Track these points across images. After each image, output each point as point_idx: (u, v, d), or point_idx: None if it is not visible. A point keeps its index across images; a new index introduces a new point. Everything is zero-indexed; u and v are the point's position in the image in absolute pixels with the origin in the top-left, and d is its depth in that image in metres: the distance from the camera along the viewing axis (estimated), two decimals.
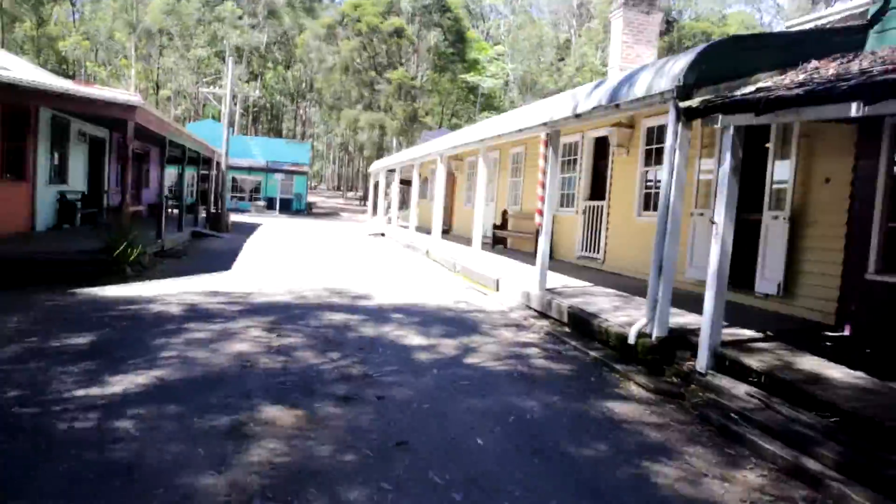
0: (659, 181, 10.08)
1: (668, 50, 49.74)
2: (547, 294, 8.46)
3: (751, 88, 5.61)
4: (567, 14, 48.54)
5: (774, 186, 7.62)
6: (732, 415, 4.60)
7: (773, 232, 7.52)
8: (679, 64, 5.89)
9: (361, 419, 4.19)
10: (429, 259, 14.91)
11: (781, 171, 7.54)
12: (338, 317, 7.44)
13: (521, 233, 14.83)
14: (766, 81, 5.84)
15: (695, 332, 6.26)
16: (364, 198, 70.71)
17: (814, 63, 5.97)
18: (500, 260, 12.79)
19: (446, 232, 23.21)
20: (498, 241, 16.01)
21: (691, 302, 7.14)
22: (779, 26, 48.88)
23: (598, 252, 11.73)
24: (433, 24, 44.84)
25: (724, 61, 5.99)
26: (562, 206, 13.59)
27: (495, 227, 16.34)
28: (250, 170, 41.72)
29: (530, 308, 8.66)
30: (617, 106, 6.68)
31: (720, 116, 5.47)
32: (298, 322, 7.01)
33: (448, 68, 47.92)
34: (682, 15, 52.66)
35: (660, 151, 9.99)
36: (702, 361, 5.45)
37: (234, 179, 40.26)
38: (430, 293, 9.78)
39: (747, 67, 5.99)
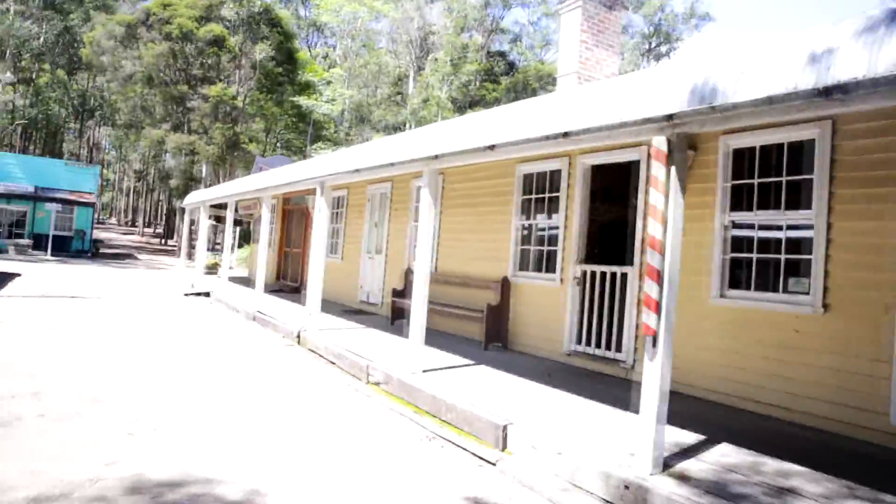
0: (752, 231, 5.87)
1: (511, 90, 48.35)
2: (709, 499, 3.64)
3: None
4: (408, 45, 45.21)
5: None
6: None
7: None
8: None
9: None
10: (303, 350, 9.38)
11: None
12: None
13: (451, 307, 9.86)
14: None
15: None
16: (166, 235, 60.66)
17: None
18: (442, 358, 7.72)
19: (296, 290, 17.48)
20: (399, 315, 10.94)
21: None
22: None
23: (618, 349, 7.21)
24: (260, 37, 38.66)
25: None
26: (523, 269, 9.00)
27: (394, 292, 11.29)
28: (10, 198, 32.02)
29: None
30: None
31: None
32: None
33: (276, 90, 41.80)
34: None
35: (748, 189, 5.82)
36: None
37: None
38: (380, 473, 4.51)
39: None
